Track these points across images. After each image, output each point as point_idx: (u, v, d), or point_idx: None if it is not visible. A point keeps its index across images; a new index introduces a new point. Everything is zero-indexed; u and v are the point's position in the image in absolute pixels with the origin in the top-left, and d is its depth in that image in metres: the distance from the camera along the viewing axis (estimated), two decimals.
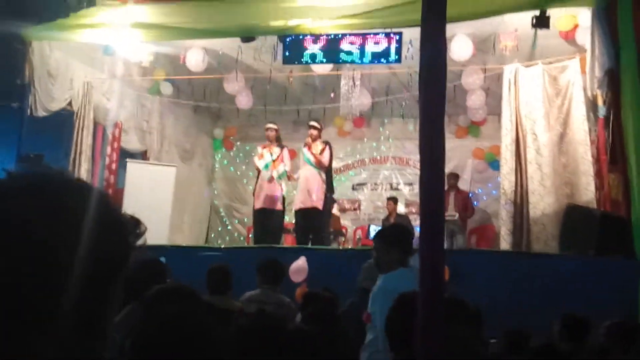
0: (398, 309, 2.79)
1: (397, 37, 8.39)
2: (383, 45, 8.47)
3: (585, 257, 6.95)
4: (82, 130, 9.77)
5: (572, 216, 7.64)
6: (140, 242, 0.96)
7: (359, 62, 8.80)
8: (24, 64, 8.84)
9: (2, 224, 0.85)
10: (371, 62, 8.76)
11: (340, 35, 8.56)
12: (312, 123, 9.34)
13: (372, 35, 8.48)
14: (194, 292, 2.35)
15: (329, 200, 9.45)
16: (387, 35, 8.42)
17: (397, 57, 8.45)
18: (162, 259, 6.47)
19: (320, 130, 9.30)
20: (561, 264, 7.02)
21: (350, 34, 8.51)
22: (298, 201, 9.06)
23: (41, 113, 8.99)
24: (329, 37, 8.60)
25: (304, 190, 8.95)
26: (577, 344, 4.08)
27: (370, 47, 8.51)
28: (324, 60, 8.84)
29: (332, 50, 8.63)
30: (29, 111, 8.84)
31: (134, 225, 0.96)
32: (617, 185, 7.99)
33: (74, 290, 0.86)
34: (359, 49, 8.53)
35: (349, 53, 8.59)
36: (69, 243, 0.86)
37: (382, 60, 8.60)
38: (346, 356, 3.59)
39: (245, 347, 1.78)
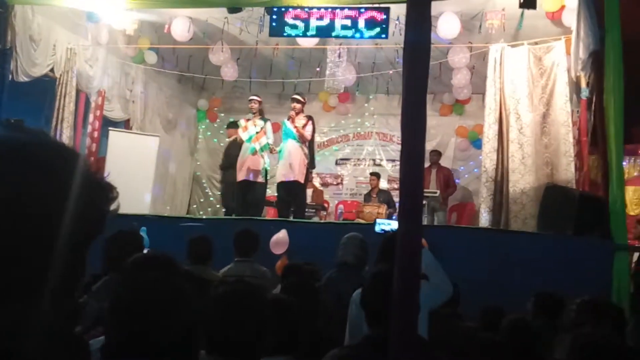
0: (374, 285, 2.85)
1: (384, 13, 8.35)
2: (370, 20, 8.43)
3: (563, 236, 7.06)
4: (65, 97, 9.67)
5: (551, 196, 7.73)
6: (113, 206, 0.97)
7: (345, 37, 8.75)
8: (6, 28, 8.69)
9: None
10: (358, 37, 8.71)
11: (328, 9, 8.50)
12: (296, 96, 9.32)
13: (359, 10, 8.43)
14: (172, 260, 2.38)
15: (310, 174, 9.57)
16: (375, 10, 8.37)
17: (384, 33, 8.43)
18: (144, 229, 6.50)
19: (303, 104, 9.27)
20: (538, 242, 7.13)
21: (338, 8, 8.45)
22: (280, 174, 9.07)
23: (22, 78, 8.88)
24: (317, 11, 8.53)
25: (286, 163, 8.96)
26: (549, 321, 4.17)
27: (357, 22, 8.46)
28: (311, 34, 8.77)
29: (319, 23, 8.56)
30: (10, 76, 8.73)
31: (109, 189, 0.97)
32: (597, 166, 8.09)
33: (52, 252, 0.87)
34: (345, 23, 8.48)
35: (336, 27, 8.52)
36: (49, 204, 0.87)
37: (369, 35, 8.56)
38: (323, 328, 3.65)
39: (224, 314, 1.81)
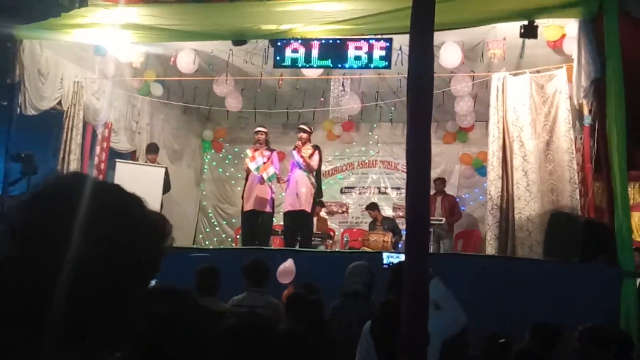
0: (384, 315, 2.88)
1: (387, 43, 8.47)
2: (372, 51, 8.54)
3: (569, 263, 7.04)
4: (72, 129, 9.77)
5: (557, 222, 7.73)
6: (168, 242, 1.00)
7: (349, 67, 8.87)
8: (15, 62, 8.83)
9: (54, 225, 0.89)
10: (361, 67, 8.83)
11: (331, 41, 8.63)
12: (302, 126, 9.42)
13: (361, 41, 8.56)
14: (184, 293, 2.40)
15: (316, 203, 9.60)
16: (377, 41, 8.50)
17: (386, 63, 8.53)
18: None
19: (310, 134, 9.37)
20: (545, 270, 7.11)
21: (340, 39, 8.58)
22: (287, 204, 9.11)
23: (31, 112, 9.00)
24: (320, 42, 8.65)
25: (292, 193, 9.01)
26: (548, 351, 4.13)
27: (360, 53, 8.58)
28: (315, 64, 8.89)
29: (322, 55, 8.69)
30: (18, 110, 8.84)
31: (165, 227, 1.00)
32: (602, 193, 8.10)
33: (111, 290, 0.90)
34: (349, 54, 8.60)
35: (340, 58, 8.65)
36: (116, 245, 0.90)
37: (372, 65, 8.67)
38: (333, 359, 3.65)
39: (236, 346, 1.82)
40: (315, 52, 8.66)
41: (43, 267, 0.87)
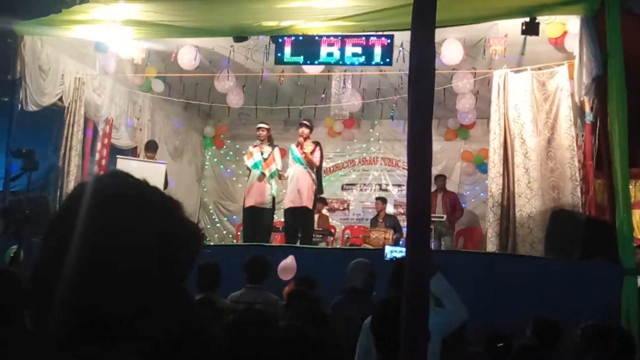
0: (384, 311, 2.88)
1: (388, 40, 8.46)
2: (374, 47, 8.53)
3: (570, 261, 7.04)
4: (73, 125, 9.76)
5: (558, 220, 7.72)
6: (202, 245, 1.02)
7: (350, 64, 8.86)
8: (15, 58, 8.83)
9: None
10: (362, 64, 8.83)
11: (331, 37, 8.61)
12: (304, 122, 9.41)
13: (363, 38, 8.54)
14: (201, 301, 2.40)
15: (318, 200, 9.60)
16: (379, 37, 8.49)
17: (388, 59, 8.52)
18: None
19: (311, 130, 9.37)
20: (545, 267, 7.11)
21: (342, 36, 8.57)
22: (288, 200, 9.11)
23: (32, 108, 8.99)
24: (322, 39, 8.64)
25: (294, 189, 9.00)
26: (549, 347, 4.13)
27: (361, 50, 8.57)
28: (316, 61, 8.88)
29: (323, 51, 8.68)
30: (19, 106, 8.84)
31: (200, 230, 1.01)
32: (603, 190, 8.09)
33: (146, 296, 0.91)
34: (350, 50, 8.59)
35: (340, 55, 8.64)
36: (158, 243, 0.92)
37: (373, 62, 8.66)
38: (336, 355, 3.65)
39: (236, 342, 1.82)
40: (316, 49, 8.66)
41: (80, 261, 0.89)
